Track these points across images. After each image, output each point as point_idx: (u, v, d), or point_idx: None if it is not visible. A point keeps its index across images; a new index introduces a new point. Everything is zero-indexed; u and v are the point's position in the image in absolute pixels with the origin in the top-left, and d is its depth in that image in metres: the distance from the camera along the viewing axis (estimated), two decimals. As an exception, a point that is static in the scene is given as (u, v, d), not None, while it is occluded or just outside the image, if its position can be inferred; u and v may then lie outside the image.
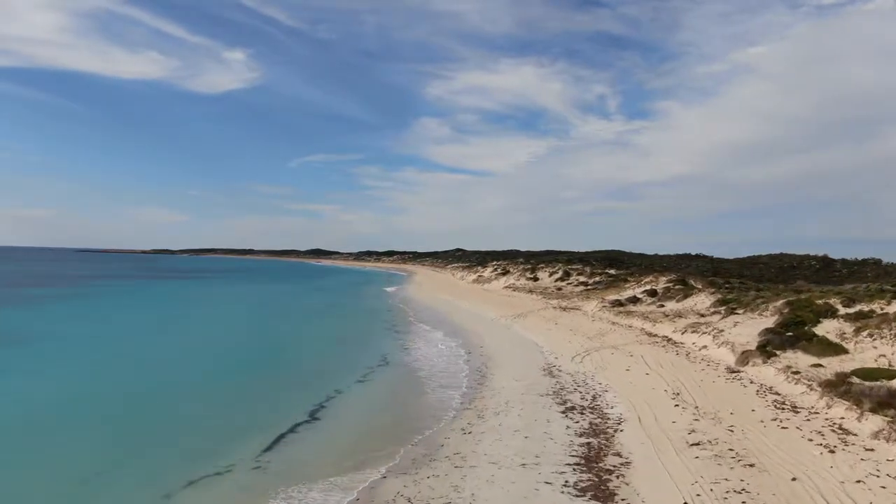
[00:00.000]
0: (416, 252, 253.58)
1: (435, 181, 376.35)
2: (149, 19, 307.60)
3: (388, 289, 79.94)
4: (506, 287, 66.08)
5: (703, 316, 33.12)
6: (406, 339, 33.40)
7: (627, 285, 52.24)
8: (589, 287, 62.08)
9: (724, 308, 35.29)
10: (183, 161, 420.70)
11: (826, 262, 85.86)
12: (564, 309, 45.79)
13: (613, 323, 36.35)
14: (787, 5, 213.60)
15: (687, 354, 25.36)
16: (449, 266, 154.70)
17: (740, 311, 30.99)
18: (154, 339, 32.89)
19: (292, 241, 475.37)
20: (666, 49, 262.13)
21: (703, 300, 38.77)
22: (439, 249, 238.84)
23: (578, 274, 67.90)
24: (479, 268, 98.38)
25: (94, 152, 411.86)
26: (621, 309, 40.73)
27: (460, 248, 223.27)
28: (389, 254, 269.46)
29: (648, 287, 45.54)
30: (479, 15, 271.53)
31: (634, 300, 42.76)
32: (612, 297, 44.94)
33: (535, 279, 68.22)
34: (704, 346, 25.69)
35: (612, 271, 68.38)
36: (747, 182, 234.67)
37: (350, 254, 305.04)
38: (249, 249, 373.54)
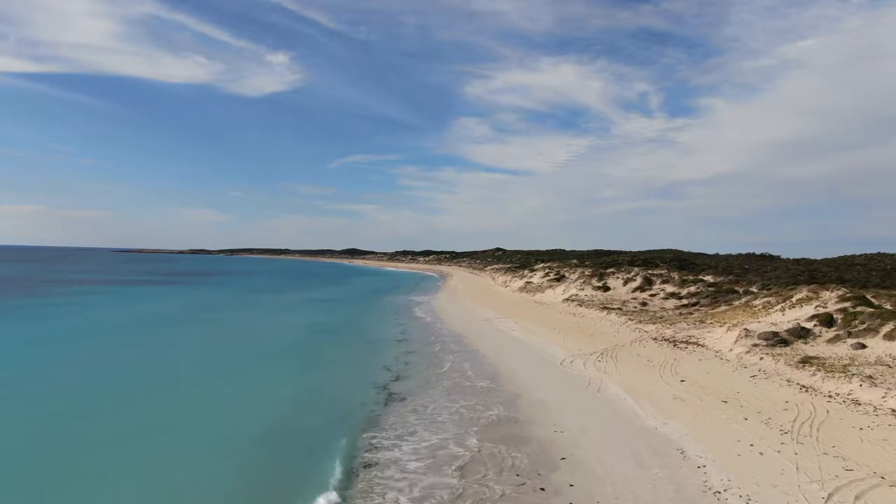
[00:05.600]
0: (453, 252, 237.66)
1: (474, 181, 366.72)
2: (195, 24, 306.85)
3: (413, 298, 63.90)
4: (566, 299, 49.22)
5: None
6: (400, 424, 17.18)
7: (757, 302, 34.87)
8: (683, 301, 44.86)
9: None
10: (227, 163, 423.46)
11: (940, 264, 67.44)
12: (674, 343, 28.83)
13: (804, 387, 19.29)
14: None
15: None
16: (488, 268, 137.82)
17: None
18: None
19: (332, 240, 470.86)
20: (711, 45, 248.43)
21: (945, 339, 21.43)
22: (478, 249, 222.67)
23: (663, 281, 50.59)
24: (526, 272, 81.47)
25: (141, 155, 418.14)
26: (787, 350, 23.68)
27: (500, 247, 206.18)
28: (426, 253, 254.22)
29: (813, 308, 28.18)
30: (519, 13, 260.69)
31: (800, 333, 25.55)
32: (756, 324, 27.73)
33: (606, 289, 51.13)
34: None
35: (709, 278, 50.88)
36: (795, 180, 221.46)
37: (385, 253, 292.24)
38: (285, 249, 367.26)
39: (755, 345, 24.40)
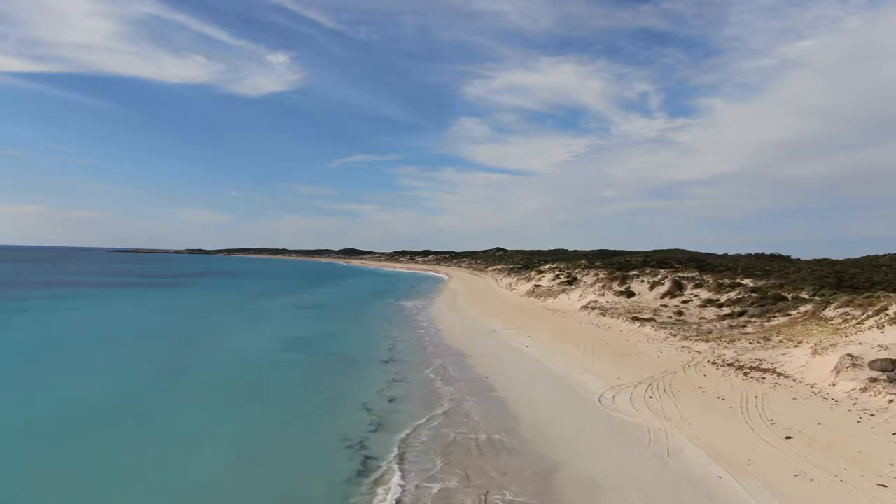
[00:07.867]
0: (453, 252, 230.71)
1: (474, 181, 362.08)
2: (195, 24, 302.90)
3: (408, 303, 57.18)
4: (585, 307, 42.45)
5: None
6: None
7: (831, 314, 28.17)
8: (724, 309, 38.12)
9: None
10: (226, 163, 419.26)
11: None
12: (743, 370, 22.10)
13: None
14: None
15: None
16: (489, 269, 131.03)
17: None
18: None
19: (332, 240, 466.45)
20: (711, 45, 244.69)
21: None
22: (478, 249, 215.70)
23: (695, 286, 43.89)
24: (533, 273, 74.76)
25: (141, 155, 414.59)
26: (920, 388, 16.95)
27: (500, 247, 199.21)
28: (425, 253, 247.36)
29: (926, 326, 21.46)
30: (519, 14, 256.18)
31: (925, 361, 18.81)
32: (856, 347, 20.99)
33: (630, 294, 44.39)
34: None
35: (749, 283, 44.14)
36: (795, 180, 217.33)
37: (383, 254, 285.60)
38: (283, 249, 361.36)
39: (873, 379, 17.67)
